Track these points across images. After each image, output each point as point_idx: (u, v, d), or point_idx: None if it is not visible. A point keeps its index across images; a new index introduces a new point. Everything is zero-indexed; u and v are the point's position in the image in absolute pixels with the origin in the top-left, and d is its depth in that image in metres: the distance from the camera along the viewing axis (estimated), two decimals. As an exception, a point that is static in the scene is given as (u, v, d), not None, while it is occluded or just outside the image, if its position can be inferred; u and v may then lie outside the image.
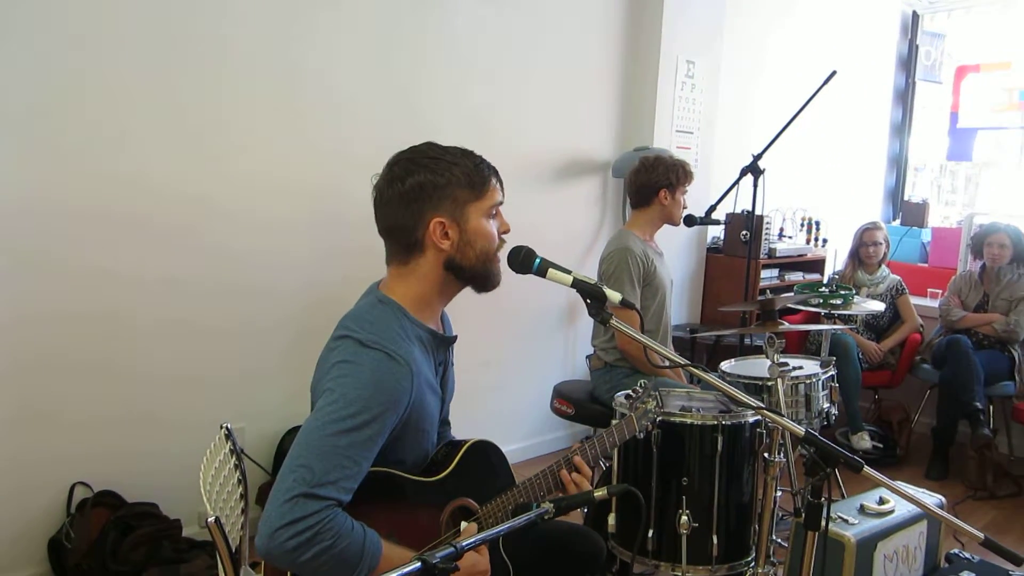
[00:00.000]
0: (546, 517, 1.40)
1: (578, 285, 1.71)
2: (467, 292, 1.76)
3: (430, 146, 1.67)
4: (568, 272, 1.71)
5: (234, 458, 1.90)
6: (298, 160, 3.20)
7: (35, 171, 2.62)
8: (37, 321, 2.67)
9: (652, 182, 3.29)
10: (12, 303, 2.62)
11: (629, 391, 2.12)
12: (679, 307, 4.77)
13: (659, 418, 1.99)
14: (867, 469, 1.55)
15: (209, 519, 1.57)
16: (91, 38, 2.67)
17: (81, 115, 2.69)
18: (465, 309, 1.89)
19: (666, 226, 3.39)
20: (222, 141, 3.00)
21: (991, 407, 4.47)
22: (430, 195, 1.61)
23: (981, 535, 1.58)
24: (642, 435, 1.97)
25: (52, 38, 2.59)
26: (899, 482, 1.66)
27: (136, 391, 2.90)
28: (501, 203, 1.71)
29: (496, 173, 1.70)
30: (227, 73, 2.98)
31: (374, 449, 1.51)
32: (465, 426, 1.96)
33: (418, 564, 1.12)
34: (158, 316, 2.92)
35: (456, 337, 1.80)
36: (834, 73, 3.57)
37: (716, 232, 4.93)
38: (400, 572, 1.11)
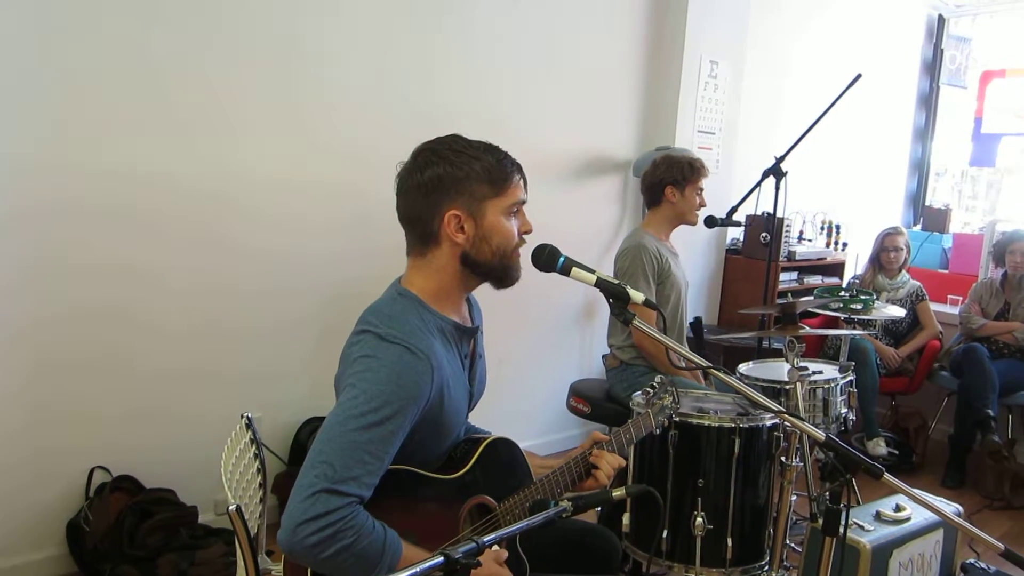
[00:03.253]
0: (564, 515, 1.40)
1: (602, 284, 1.71)
2: (485, 290, 1.75)
3: (455, 138, 1.66)
4: (592, 271, 1.71)
5: (254, 447, 1.92)
6: (321, 160, 3.22)
7: (56, 170, 2.64)
8: (62, 317, 2.71)
9: (658, 179, 3.29)
10: (39, 299, 2.65)
11: (646, 388, 2.12)
12: (696, 308, 4.75)
13: (675, 415, 1.99)
14: (887, 476, 1.55)
15: (231, 507, 1.57)
16: (115, 35, 2.69)
17: (101, 112, 2.71)
18: (483, 306, 1.89)
19: (685, 227, 3.38)
20: (249, 142, 3.02)
21: (1011, 416, 4.44)
22: (448, 187, 1.60)
23: (1001, 545, 1.58)
24: (659, 431, 1.97)
25: (74, 35, 2.61)
26: (916, 490, 1.65)
27: (157, 384, 2.93)
28: (524, 201, 1.70)
29: (520, 170, 1.69)
30: (249, 74, 3.00)
31: (395, 444, 1.51)
32: (481, 422, 1.96)
33: (441, 559, 1.13)
34: (181, 313, 2.96)
35: (479, 327, 1.79)
36: (859, 76, 3.54)
37: (735, 234, 4.92)
38: (423, 566, 1.11)
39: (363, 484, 1.46)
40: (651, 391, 2.10)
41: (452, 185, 1.60)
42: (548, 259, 1.69)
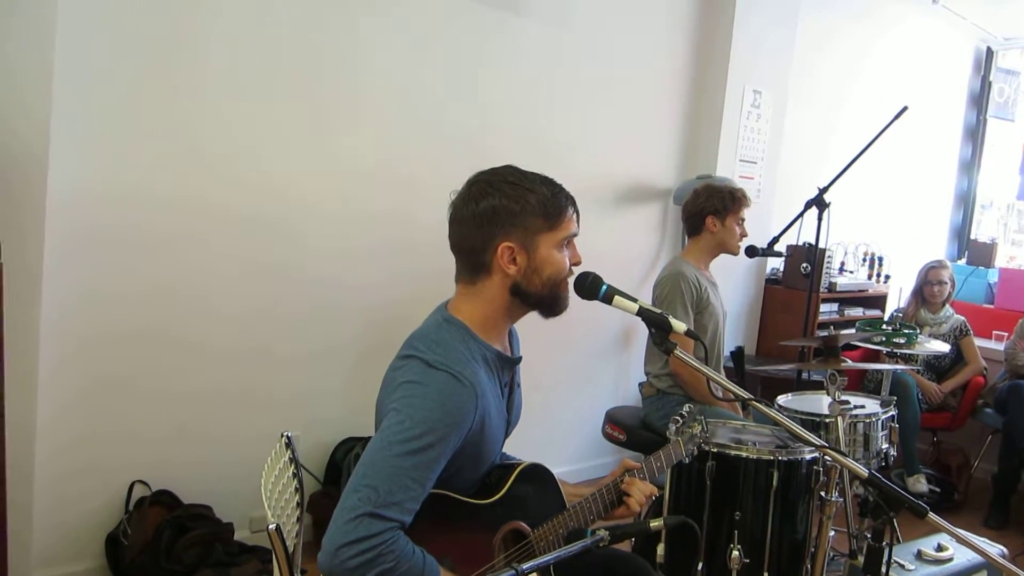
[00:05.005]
0: (601, 544, 1.40)
1: (643, 314, 1.72)
2: (526, 316, 1.76)
3: (511, 170, 1.67)
4: (634, 300, 1.72)
5: (292, 467, 1.94)
6: (368, 186, 3.25)
7: (112, 199, 2.68)
8: (110, 339, 2.74)
9: (699, 209, 3.28)
10: (89, 321, 2.69)
11: (675, 417, 2.12)
12: (735, 337, 4.72)
13: (712, 446, 1.98)
14: (931, 515, 1.52)
15: (270, 526, 1.59)
16: (165, 68, 2.75)
17: (156, 143, 2.75)
18: (520, 329, 1.90)
19: (724, 256, 3.37)
20: (296, 169, 3.07)
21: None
22: (502, 220, 1.61)
23: (1048, 591, 1.54)
24: (688, 460, 1.96)
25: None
26: (959, 529, 1.62)
27: (197, 404, 2.96)
28: (576, 234, 1.71)
29: (574, 203, 1.69)
30: (298, 103, 3.04)
31: (437, 471, 1.52)
32: (516, 447, 1.96)
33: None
34: (223, 336, 2.99)
35: (521, 358, 1.81)
36: (905, 108, 3.52)
37: (776, 264, 4.88)
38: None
39: (405, 509, 1.47)
40: (680, 419, 2.10)
41: (507, 218, 1.61)
42: (591, 287, 1.70)
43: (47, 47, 2.48)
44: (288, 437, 1.96)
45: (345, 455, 3.23)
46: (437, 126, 3.41)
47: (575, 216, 1.70)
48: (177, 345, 2.89)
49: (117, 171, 2.69)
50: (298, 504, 1.95)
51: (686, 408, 2.12)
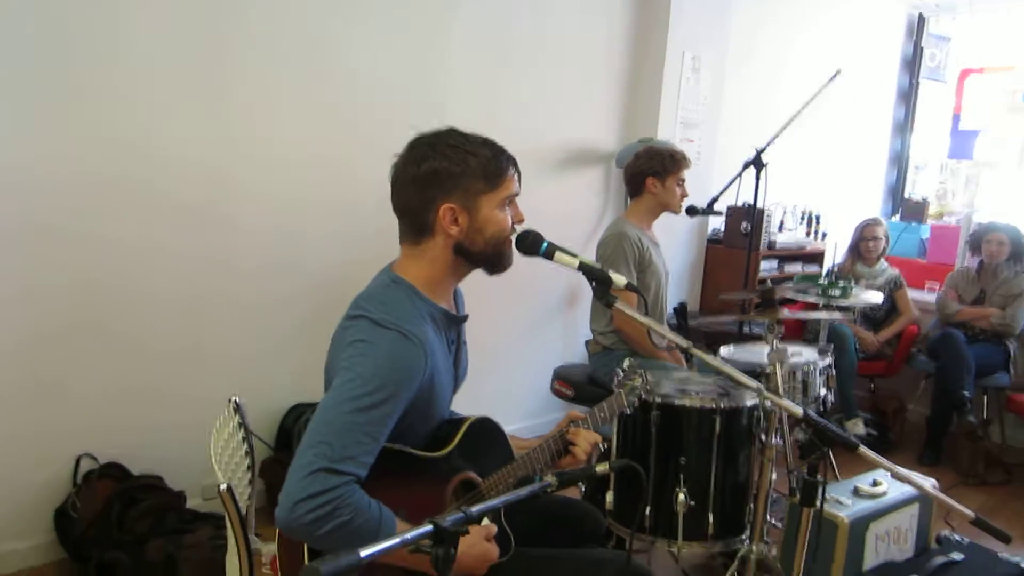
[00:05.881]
0: (549, 489, 1.43)
1: (584, 268, 1.75)
2: (471, 275, 1.79)
3: (452, 133, 1.68)
4: (575, 256, 1.75)
5: (242, 431, 1.94)
6: (315, 142, 3.24)
7: (50, 140, 2.64)
8: (46, 294, 2.71)
9: (639, 171, 3.34)
10: (22, 275, 2.65)
11: (617, 370, 2.18)
12: (678, 295, 4.81)
13: (644, 395, 2.05)
14: (862, 448, 1.60)
15: (221, 486, 1.60)
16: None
17: (105, 86, 2.71)
18: (469, 290, 1.92)
19: (667, 217, 3.43)
20: (244, 119, 3.04)
21: (985, 397, 4.54)
22: (443, 182, 1.63)
23: (972, 513, 1.63)
24: (630, 411, 2.02)
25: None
26: (892, 463, 1.69)
27: (142, 365, 2.94)
28: (517, 194, 1.73)
29: (515, 164, 1.72)
30: (254, 57, 3.02)
31: (389, 426, 1.55)
32: (467, 406, 1.99)
33: (430, 527, 1.16)
34: (167, 290, 2.96)
35: (467, 316, 1.84)
36: (838, 72, 3.61)
37: (717, 223, 4.97)
38: (414, 533, 1.15)
39: (360, 464, 1.49)
40: (622, 372, 2.16)
41: (448, 180, 1.63)
42: (532, 244, 1.73)
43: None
44: (236, 402, 1.96)
45: (295, 421, 3.24)
46: (379, 90, 3.39)
47: (516, 176, 1.72)
48: (117, 299, 2.85)
49: (68, 109, 2.64)
50: (249, 468, 1.96)
51: (627, 362, 2.19)
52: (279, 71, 3.10)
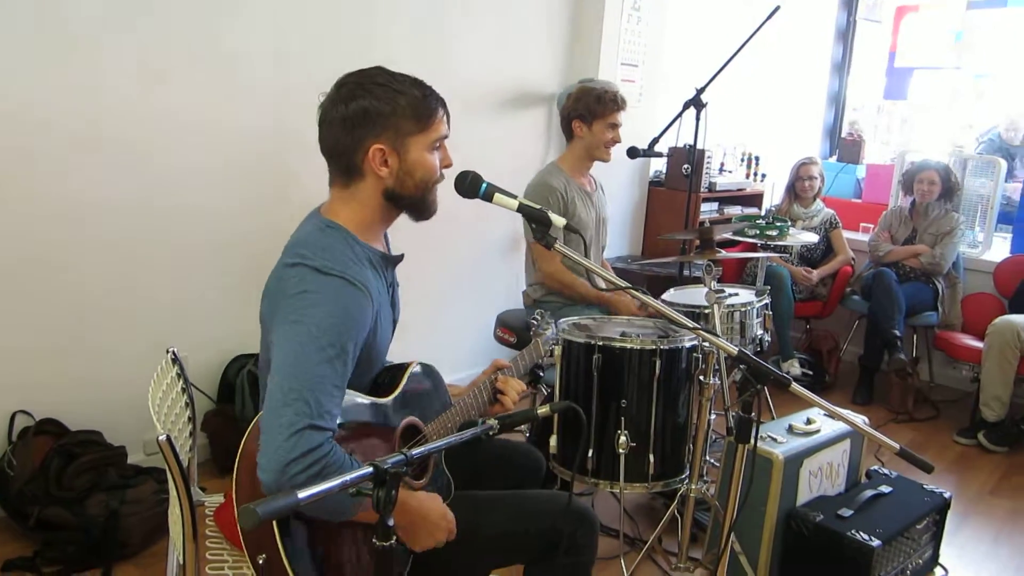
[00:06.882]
0: (491, 433, 1.45)
1: (523, 209, 1.75)
2: (414, 224, 1.76)
3: (380, 71, 1.64)
4: (514, 197, 1.74)
5: (180, 383, 1.92)
6: (251, 71, 3.15)
7: None
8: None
9: (566, 114, 3.22)
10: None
11: (530, 320, 2.23)
12: (620, 240, 4.84)
13: (558, 345, 2.26)
14: (794, 386, 1.64)
15: (160, 437, 1.58)
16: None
17: (28, 19, 2.59)
18: (411, 238, 1.90)
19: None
20: (160, 58, 2.91)
21: (915, 336, 4.69)
22: (372, 122, 1.59)
23: (897, 445, 1.69)
24: (546, 359, 2.12)
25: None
26: (825, 401, 1.75)
27: (74, 319, 2.86)
28: (446, 136, 1.70)
29: (444, 105, 1.69)
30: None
31: (348, 375, 1.54)
32: (409, 353, 1.98)
33: (370, 469, 1.17)
34: (98, 239, 2.86)
35: (403, 256, 1.81)
36: (777, 9, 3.60)
37: (659, 166, 4.99)
38: (354, 475, 1.15)
39: (334, 417, 1.48)
40: (535, 322, 2.22)
41: (377, 119, 1.60)
42: (471, 186, 1.72)
43: None
44: (174, 353, 1.93)
45: (238, 372, 3.20)
46: (312, 33, 3.29)
47: (446, 118, 1.69)
48: (44, 256, 2.76)
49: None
50: (190, 419, 1.94)
51: (537, 313, 2.25)
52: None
